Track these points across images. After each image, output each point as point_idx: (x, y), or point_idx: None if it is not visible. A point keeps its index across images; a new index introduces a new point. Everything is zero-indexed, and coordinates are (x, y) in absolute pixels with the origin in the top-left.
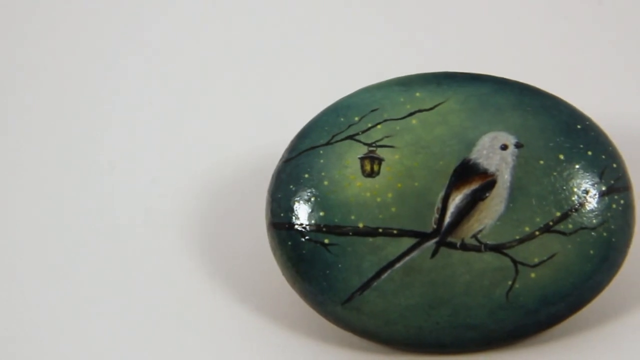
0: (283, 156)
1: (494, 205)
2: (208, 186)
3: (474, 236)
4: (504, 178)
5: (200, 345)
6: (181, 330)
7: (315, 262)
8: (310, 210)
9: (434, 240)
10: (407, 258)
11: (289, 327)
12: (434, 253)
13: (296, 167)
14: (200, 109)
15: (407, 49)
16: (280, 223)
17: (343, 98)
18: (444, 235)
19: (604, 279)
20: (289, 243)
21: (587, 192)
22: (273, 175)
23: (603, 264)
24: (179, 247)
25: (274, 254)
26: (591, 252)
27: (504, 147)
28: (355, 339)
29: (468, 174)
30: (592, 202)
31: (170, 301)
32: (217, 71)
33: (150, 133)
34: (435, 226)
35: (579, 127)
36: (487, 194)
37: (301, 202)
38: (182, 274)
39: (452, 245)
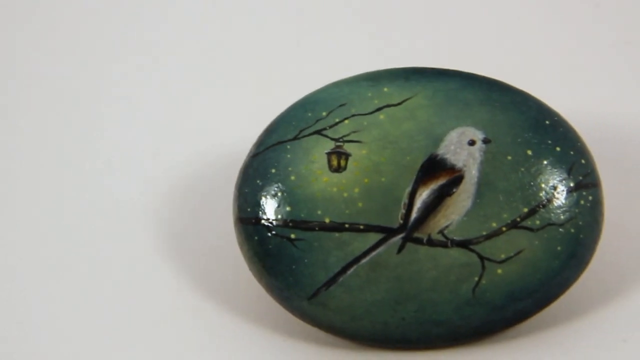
0: (251, 151)
1: (461, 201)
2: (177, 181)
3: (441, 232)
4: (472, 173)
5: (165, 340)
6: (146, 324)
7: (281, 257)
8: (276, 205)
9: (400, 236)
10: (373, 253)
11: (255, 322)
12: (401, 248)
13: (263, 162)
14: (170, 105)
15: (377, 44)
16: (247, 218)
17: (311, 93)
18: (410, 231)
19: (571, 276)
20: (256, 238)
21: (555, 188)
22: (240, 170)
23: (570, 261)
24: (146, 241)
25: (241, 248)
26: (559, 248)
27: (472, 143)
28: (322, 334)
29: (435, 169)
30: (560, 198)
31: (136, 295)
32: (185, 67)
33: (119, 129)
34: (401, 221)
35: (547, 122)
36: (454, 190)
37: (268, 197)
38: (149, 269)
39: (418, 241)
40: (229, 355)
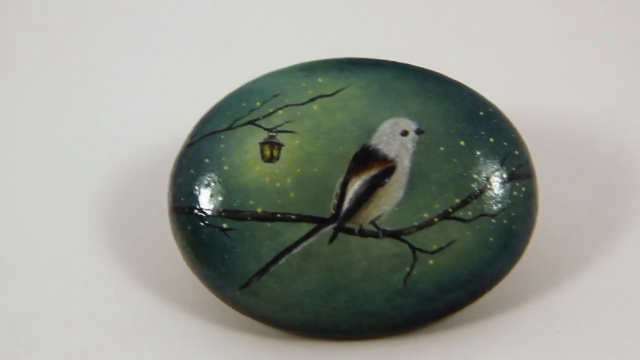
0: (186, 141)
1: (393, 192)
2: (115, 170)
3: (373, 222)
4: (404, 164)
5: (100, 329)
6: (82, 314)
7: (214, 247)
8: (209, 195)
9: (332, 226)
10: (305, 243)
11: (190, 312)
12: (332, 239)
13: (197, 152)
14: (109, 95)
15: (317, 34)
16: (180, 207)
17: (247, 83)
18: (342, 221)
19: (504, 267)
20: (189, 227)
21: (487, 179)
22: (176, 160)
23: (503, 252)
24: (83, 230)
25: (175, 238)
26: (491, 239)
27: (405, 133)
28: (256, 324)
29: (367, 159)
30: (492, 189)
31: (71, 284)
32: (124, 56)
33: (62, 115)
34: (333, 212)
35: (481, 114)
36: (386, 180)
37: (201, 186)
38: (85, 258)
39: (350, 231)
40: (163, 345)
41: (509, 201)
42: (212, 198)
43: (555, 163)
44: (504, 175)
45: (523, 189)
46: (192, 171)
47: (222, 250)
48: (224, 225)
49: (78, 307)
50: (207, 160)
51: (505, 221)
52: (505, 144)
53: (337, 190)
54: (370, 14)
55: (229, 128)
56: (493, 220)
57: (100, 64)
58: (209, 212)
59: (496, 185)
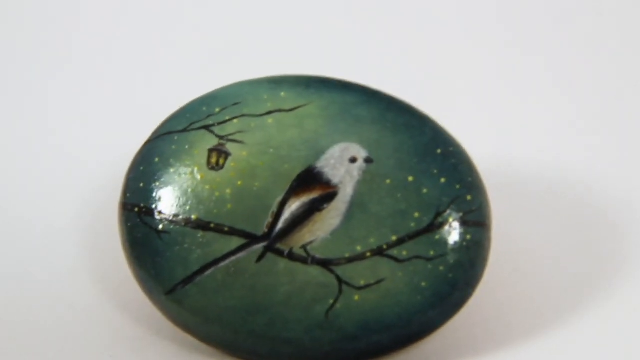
0: (147, 138)
1: (330, 219)
2: (82, 166)
3: (304, 247)
4: (346, 192)
5: (46, 324)
6: (25, 310)
7: (147, 248)
8: (150, 195)
9: (262, 244)
10: (232, 258)
11: (125, 312)
12: (260, 257)
13: (150, 150)
14: (86, 92)
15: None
16: (126, 204)
17: (217, 89)
18: (273, 241)
19: (436, 317)
20: (129, 224)
21: (429, 220)
22: (134, 156)
23: (435, 300)
24: (45, 226)
25: (119, 234)
26: (423, 284)
27: (353, 160)
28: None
29: (310, 181)
30: (432, 231)
31: (20, 278)
32: (113, 53)
33: (35, 112)
34: (266, 230)
35: (439, 151)
36: (325, 206)
37: (144, 185)
38: (47, 253)
39: (279, 253)
40: (90, 342)
41: (449, 247)
42: (152, 199)
43: (530, 217)
44: (449, 219)
45: (468, 236)
46: (141, 168)
47: (154, 253)
48: (159, 227)
49: (19, 302)
50: (156, 160)
51: (441, 268)
52: (457, 186)
53: (275, 208)
54: (370, 36)
55: (184, 130)
56: (429, 265)
57: (85, 54)
58: (146, 212)
59: (437, 228)
